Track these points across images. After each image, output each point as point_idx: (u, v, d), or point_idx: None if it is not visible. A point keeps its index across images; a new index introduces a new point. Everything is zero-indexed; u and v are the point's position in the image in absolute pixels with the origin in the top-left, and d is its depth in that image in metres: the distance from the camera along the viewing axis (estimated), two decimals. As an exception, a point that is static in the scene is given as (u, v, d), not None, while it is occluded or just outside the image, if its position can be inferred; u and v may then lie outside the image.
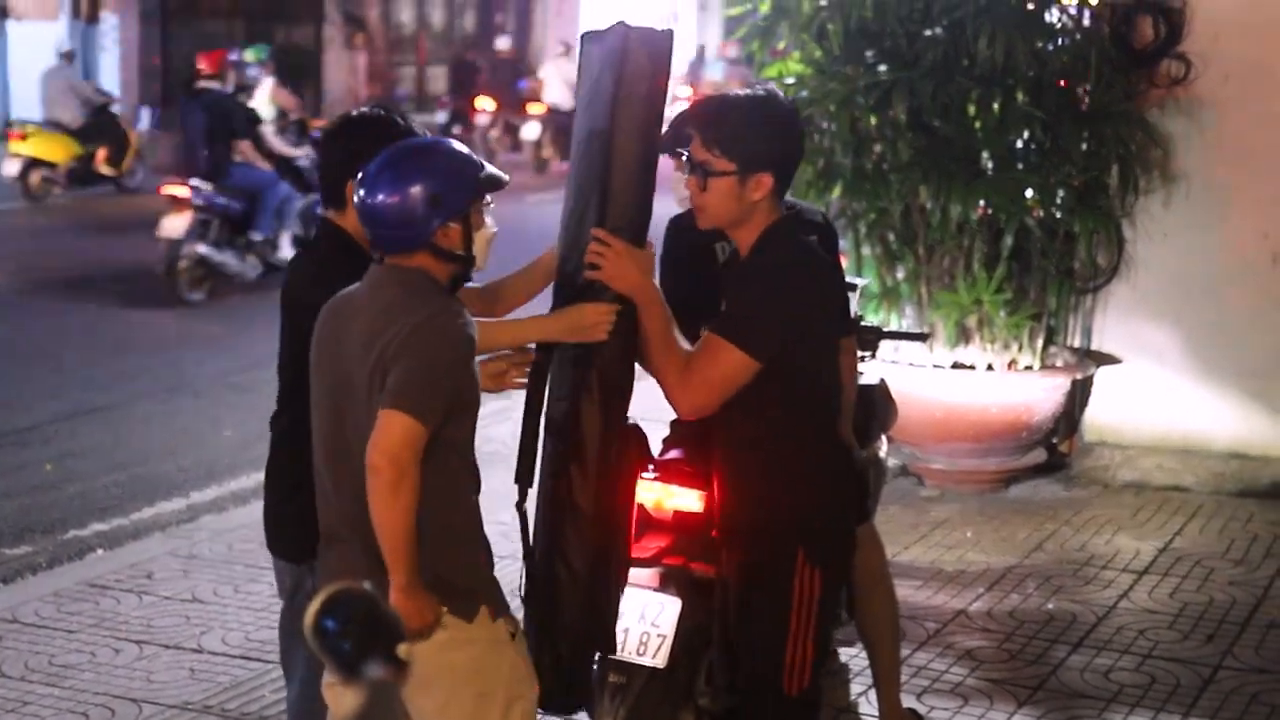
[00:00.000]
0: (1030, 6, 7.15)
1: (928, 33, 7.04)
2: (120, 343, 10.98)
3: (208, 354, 10.67)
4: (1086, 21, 7.38)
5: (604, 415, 3.55)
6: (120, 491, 7.64)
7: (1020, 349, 7.47)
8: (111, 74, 24.45)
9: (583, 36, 3.72)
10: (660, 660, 4.05)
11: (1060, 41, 7.20)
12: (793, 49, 7.62)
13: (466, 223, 3.33)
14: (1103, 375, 7.80)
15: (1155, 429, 7.75)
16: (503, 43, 29.45)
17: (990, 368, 7.40)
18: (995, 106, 7.02)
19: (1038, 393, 7.36)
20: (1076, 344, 7.83)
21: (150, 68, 25.20)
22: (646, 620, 4.01)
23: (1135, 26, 7.41)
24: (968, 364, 7.42)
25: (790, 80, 7.34)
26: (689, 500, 4.09)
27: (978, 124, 7.11)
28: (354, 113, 3.90)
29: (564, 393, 3.60)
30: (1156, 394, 7.75)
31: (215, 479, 7.73)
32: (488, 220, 3.41)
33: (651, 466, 4.12)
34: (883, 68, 7.05)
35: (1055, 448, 7.81)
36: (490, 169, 3.39)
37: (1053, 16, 7.27)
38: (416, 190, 3.27)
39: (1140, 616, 5.90)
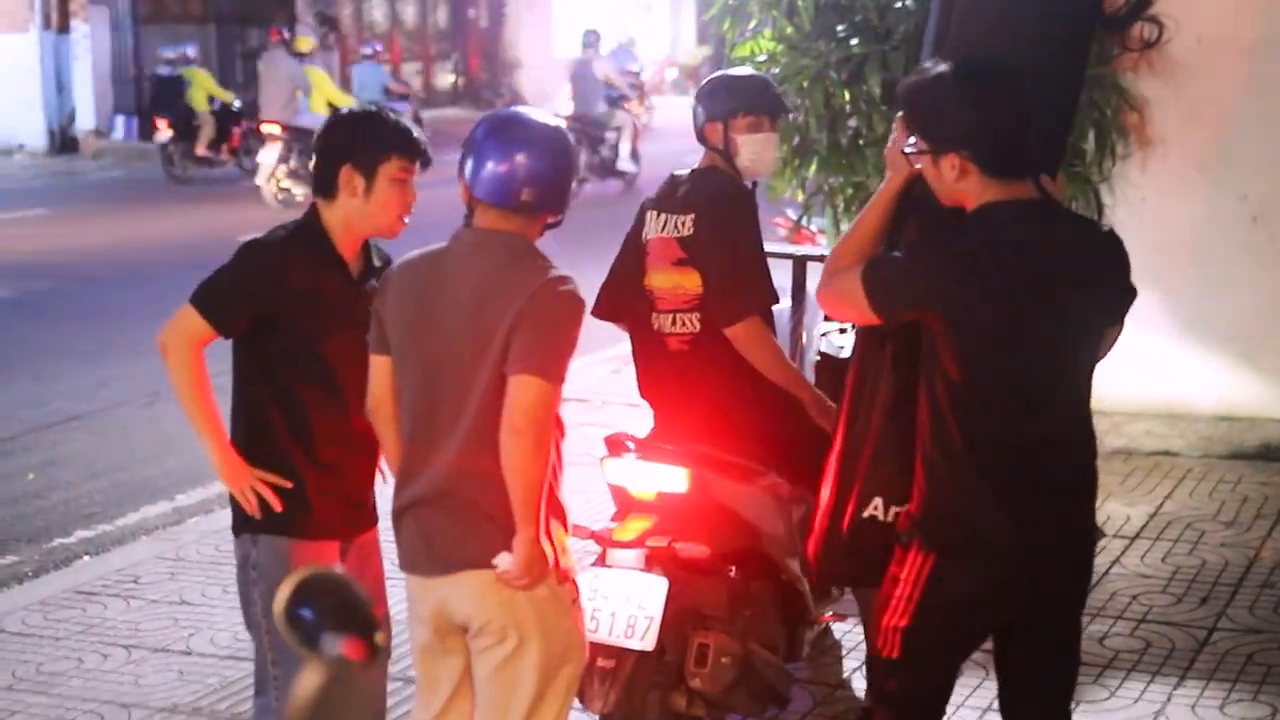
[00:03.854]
0: (1001, -26, 7.10)
1: (899, 4, 6.99)
2: (98, 349, 10.92)
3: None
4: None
5: None
6: (104, 498, 7.60)
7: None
8: (85, 83, 24.37)
9: None
10: (648, 643, 4.01)
11: (1032, 8, 7.14)
12: (765, 26, 7.57)
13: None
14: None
15: (1141, 395, 7.71)
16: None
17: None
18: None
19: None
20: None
21: (123, 76, 25.09)
22: (633, 603, 3.97)
23: (1107, -9, 7.37)
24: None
25: (762, 58, 7.28)
26: (674, 479, 4.05)
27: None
28: (348, 108, 4.07)
29: None
30: (1141, 359, 7.70)
31: (200, 481, 7.68)
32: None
33: (631, 445, 4.08)
34: (855, 41, 6.99)
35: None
36: None
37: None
38: (570, 156, 3.53)
39: (1133, 581, 5.88)
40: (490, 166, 3.45)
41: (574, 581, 3.56)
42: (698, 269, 4.43)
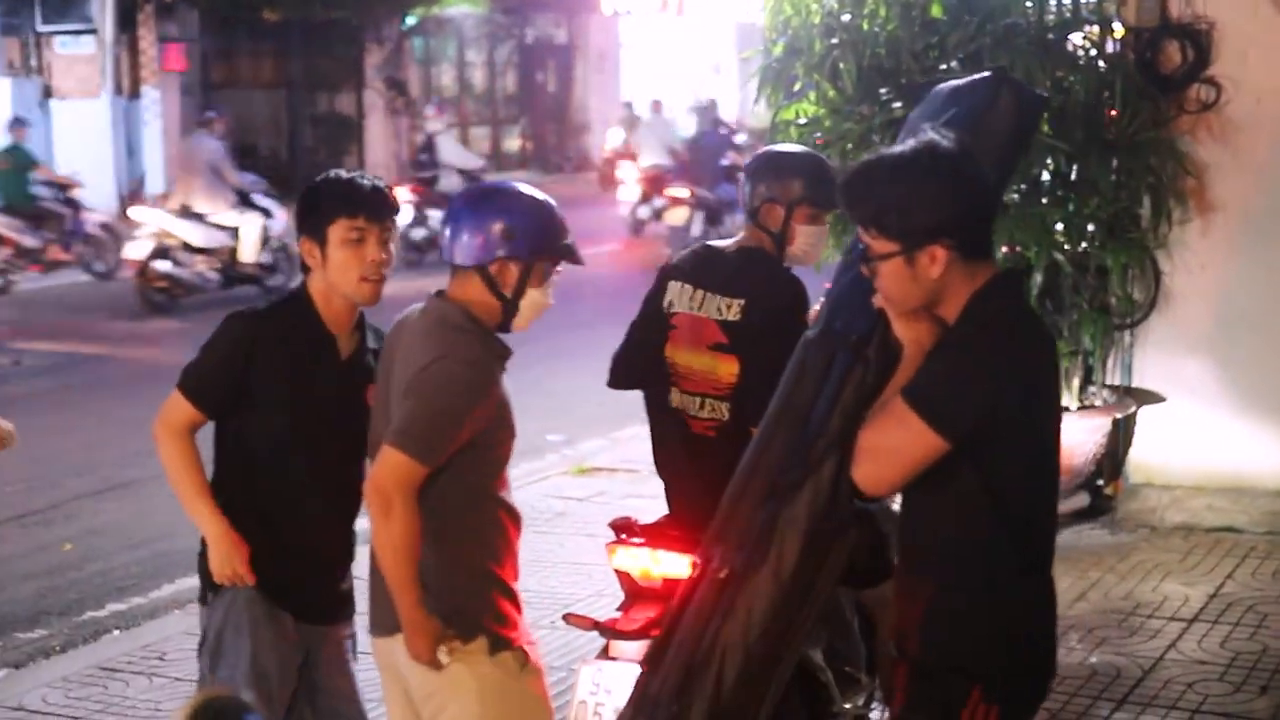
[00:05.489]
0: (1050, 36, 6.92)
1: (943, 67, 6.82)
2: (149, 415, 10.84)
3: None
4: (1110, 48, 7.14)
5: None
6: (140, 569, 7.51)
7: (1057, 390, 7.19)
8: (155, 148, 24.63)
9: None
10: (658, 737, 3.80)
11: (1083, 71, 6.95)
12: (808, 89, 7.42)
13: (526, 272, 3.52)
14: (1146, 414, 7.51)
15: (1204, 468, 7.46)
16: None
17: (1026, 410, 7.12)
18: (1018, 140, 6.78)
19: (1076, 434, 7.08)
20: (1116, 382, 7.55)
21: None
22: (638, 696, 3.76)
23: (1161, 51, 7.19)
24: (1002, 407, 7.15)
25: (804, 121, 7.13)
26: (679, 566, 3.85)
27: (1001, 159, 6.86)
28: (323, 175, 3.92)
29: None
30: (1203, 431, 7.46)
31: (236, 553, 7.54)
32: (548, 289, 3.60)
33: (634, 533, 3.90)
34: (898, 105, 6.83)
35: (1100, 491, 7.52)
36: (572, 244, 3.60)
37: (1074, 45, 7.03)
38: (501, 216, 3.51)
39: (1189, 668, 5.60)
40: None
41: (523, 648, 3.61)
42: (739, 358, 4.17)
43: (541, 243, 3.55)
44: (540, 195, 3.66)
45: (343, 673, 3.90)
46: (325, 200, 3.71)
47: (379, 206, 3.69)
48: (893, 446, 2.96)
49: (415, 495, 3.41)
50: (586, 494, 8.21)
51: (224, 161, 15.77)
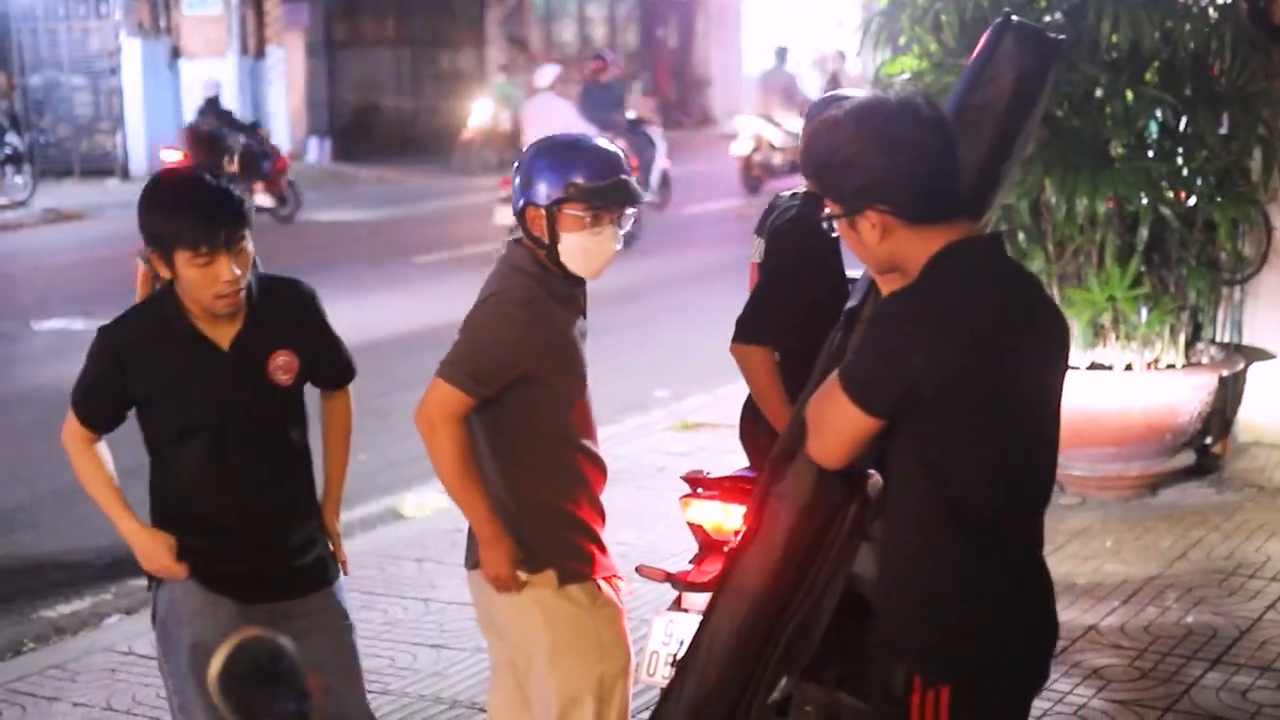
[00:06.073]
0: (1158, -15, 6.78)
1: (1047, 19, 6.72)
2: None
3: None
4: (1220, -2, 6.98)
5: None
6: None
7: (1163, 347, 7.08)
8: (280, 106, 25.01)
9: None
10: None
11: (1192, 20, 6.80)
12: (913, 43, 7.34)
13: (550, 218, 3.54)
14: (1256, 371, 7.36)
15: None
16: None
17: (1129, 367, 7.02)
18: (1125, 93, 6.67)
19: (1182, 392, 6.97)
20: (1226, 339, 7.40)
21: (318, 100, 25.70)
22: (707, 648, 3.80)
23: (1273, 1, 6.99)
24: (1105, 364, 7.06)
25: (906, 75, 7.06)
26: (749, 519, 3.87)
27: (1107, 110, 6.76)
28: (162, 184, 3.70)
29: None
30: (1313, 387, 7.29)
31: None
32: (599, 234, 3.56)
33: (707, 486, 3.93)
34: (1000, 57, 6.74)
35: (1208, 449, 7.40)
36: (601, 184, 3.53)
37: (1183, -6, 6.88)
38: (526, 166, 3.58)
39: (1287, 629, 5.52)
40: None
41: (596, 583, 3.69)
42: None
43: (557, 190, 3.53)
44: (590, 141, 3.66)
45: (327, 644, 3.75)
46: (165, 230, 3.51)
47: (220, 233, 3.47)
48: (829, 421, 2.82)
49: (460, 422, 3.54)
50: (688, 449, 8.24)
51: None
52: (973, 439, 2.78)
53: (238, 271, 3.50)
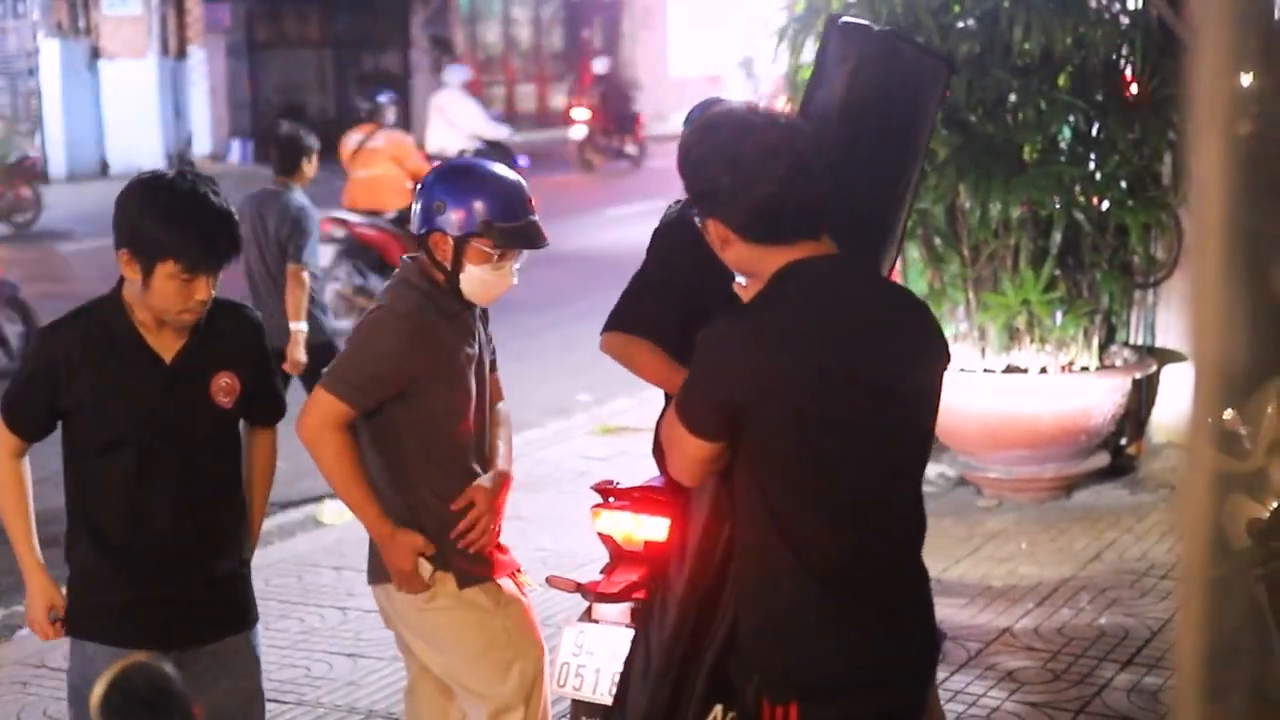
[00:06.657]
0: (1069, -9, 6.85)
1: (961, 25, 6.78)
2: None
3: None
4: (1131, 4, 7.06)
5: None
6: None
7: (1077, 350, 7.16)
8: (202, 108, 24.77)
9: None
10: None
11: (1104, 27, 6.87)
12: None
13: (458, 249, 3.59)
14: (1169, 373, 7.45)
15: None
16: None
17: (1044, 370, 7.09)
18: (1038, 99, 6.74)
19: (1096, 394, 7.04)
20: (1139, 342, 7.49)
21: (240, 101, 25.48)
22: (618, 659, 3.79)
23: (1183, 8, 7.07)
24: (1021, 367, 7.13)
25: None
26: (660, 530, 3.87)
27: (1019, 116, 6.83)
28: (157, 183, 3.51)
29: None
30: None
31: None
32: (501, 269, 3.62)
33: (617, 496, 3.92)
34: (915, 64, 6.78)
35: (1122, 451, 7.48)
36: (514, 225, 3.57)
37: (1094, 1, 6.95)
38: (439, 192, 3.61)
39: None
40: None
41: (497, 583, 3.74)
42: None
43: (470, 224, 3.57)
44: (503, 177, 3.65)
45: (228, 692, 3.58)
46: (157, 239, 3.32)
47: (216, 258, 3.36)
48: (675, 444, 2.80)
49: (340, 431, 3.58)
50: (609, 454, 8.23)
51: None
52: (796, 461, 2.74)
53: (210, 293, 3.39)
